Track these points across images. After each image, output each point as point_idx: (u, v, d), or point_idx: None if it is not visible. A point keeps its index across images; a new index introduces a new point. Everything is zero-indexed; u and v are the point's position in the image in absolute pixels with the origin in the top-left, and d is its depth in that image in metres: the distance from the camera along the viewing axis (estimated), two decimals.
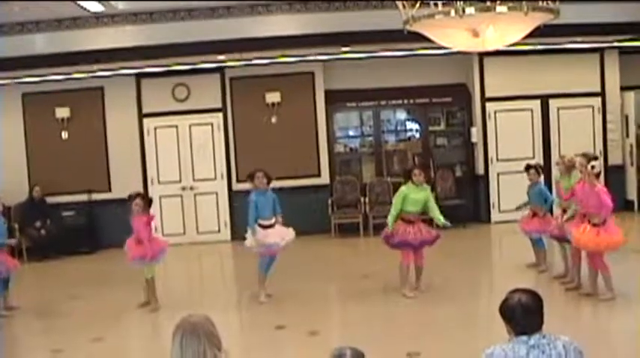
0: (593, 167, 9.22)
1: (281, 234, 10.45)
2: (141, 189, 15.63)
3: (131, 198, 10.34)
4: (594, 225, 9.15)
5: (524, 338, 3.87)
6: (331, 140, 16.10)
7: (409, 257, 10.23)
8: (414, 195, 10.20)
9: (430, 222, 10.67)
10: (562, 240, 10.33)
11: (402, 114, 16.85)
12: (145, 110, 15.88)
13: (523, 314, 3.89)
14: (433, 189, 15.53)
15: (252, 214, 10.32)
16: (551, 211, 11.33)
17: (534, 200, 11.14)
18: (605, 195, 9.13)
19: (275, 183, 12.99)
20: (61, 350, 8.74)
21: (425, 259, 10.39)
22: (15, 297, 10.82)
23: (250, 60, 14.97)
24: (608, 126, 16.10)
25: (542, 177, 11.40)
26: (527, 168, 11.34)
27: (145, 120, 15.89)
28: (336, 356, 3.58)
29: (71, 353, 8.66)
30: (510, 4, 7.48)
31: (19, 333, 9.70)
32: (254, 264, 10.60)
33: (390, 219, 10.25)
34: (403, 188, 10.31)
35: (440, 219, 10.25)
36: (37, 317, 11.04)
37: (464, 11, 7.38)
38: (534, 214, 11.12)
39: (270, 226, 10.43)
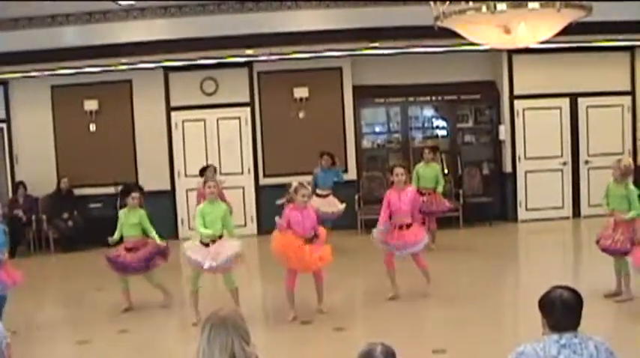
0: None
1: (329, 203, 13.14)
2: (168, 182, 15.79)
3: (207, 166, 13.14)
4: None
5: (555, 337, 3.84)
6: (358, 136, 16.06)
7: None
8: (422, 171, 13.16)
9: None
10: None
11: (429, 111, 16.74)
12: (172, 103, 15.94)
13: (561, 310, 3.87)
14: (461, 186, 15.56)
15: (311, 185, 12.66)
16: None
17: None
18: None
19: (302, 178, 13.09)
20: (88, 340, 8.81)
21: (435, 224, 13.21)
22: (39, 291, 10.72)
23: (278, 54, 14.97)
24: (638, 125, 15.93)
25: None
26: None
27: (173, 114, 15.96)
28: (367, 351, 3.57)
29: (97, 344, 8.72)
30: (542, 1, 7.43)
31: (45, 324, 9.76)
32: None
33: None
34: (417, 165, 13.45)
35: (439, 188, 13.04)
36: (63, 307, 11.15)
37: (495, 7, 7.34)
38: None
39: (325, 196, 13.34)
